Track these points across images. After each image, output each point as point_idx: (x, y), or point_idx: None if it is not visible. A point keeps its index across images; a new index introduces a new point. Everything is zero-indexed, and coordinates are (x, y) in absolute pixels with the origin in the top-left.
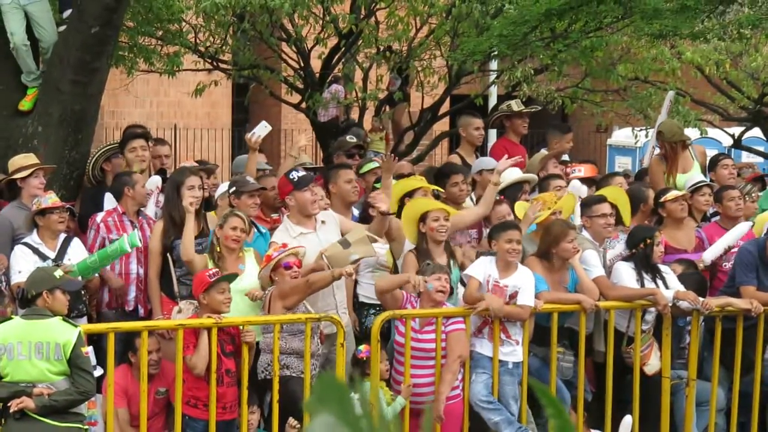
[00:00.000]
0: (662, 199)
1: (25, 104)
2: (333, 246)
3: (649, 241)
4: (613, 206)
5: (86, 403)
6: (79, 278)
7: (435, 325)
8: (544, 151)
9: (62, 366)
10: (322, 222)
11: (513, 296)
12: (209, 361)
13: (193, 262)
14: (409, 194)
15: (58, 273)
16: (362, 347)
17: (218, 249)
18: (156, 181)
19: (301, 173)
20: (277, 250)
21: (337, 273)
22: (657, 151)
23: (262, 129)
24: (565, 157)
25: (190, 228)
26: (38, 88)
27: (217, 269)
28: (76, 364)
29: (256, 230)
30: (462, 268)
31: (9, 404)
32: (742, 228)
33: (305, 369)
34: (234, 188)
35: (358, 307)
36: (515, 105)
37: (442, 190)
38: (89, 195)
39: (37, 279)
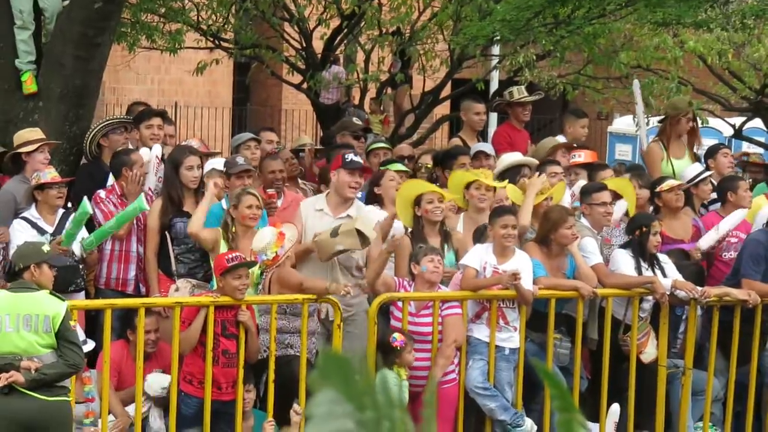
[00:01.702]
0: (658, 189)
1: (31, 87)
2: (324, 232)
3: (645, 228)
4: (618, 196)
5: (82, 378)
6: (77, 249)
7: (432, 309)
8: (560, 138)
9: (50, 339)
10: (349, 216)
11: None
12: (206, 340)
13: (200, 237)
14: (466, 186)
15: (46, 247)
16: (397, 335)
17: (233, 229)
18: (156, 151)
19: (357, 159)
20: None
21: (333, 288)
22: (649, 138)
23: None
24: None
25: (205, 205)
26: (32, 71)
27: (239, 254)
28: (64, 337)
29: None
30: (457, 253)
31: None
32: (738, 215)
33: (302, 349)
34: (225, 169)
35: None
36: (516, 92)
37: (503, 185)
38: (85, 170)
39: (24, 253)
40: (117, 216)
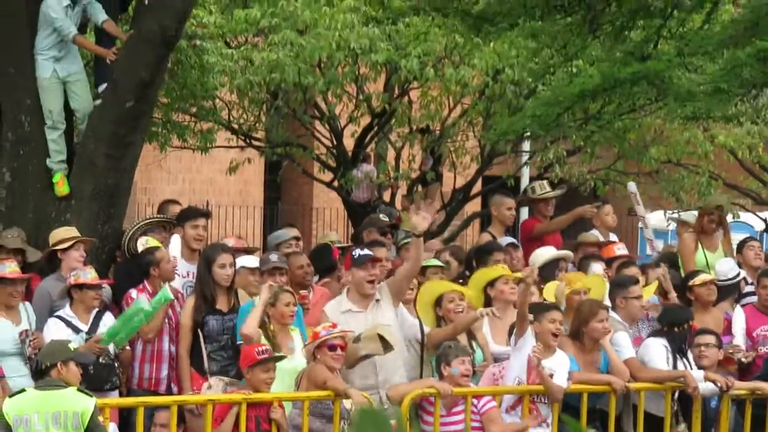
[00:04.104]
0: (690, 283)
1: (63, 189)
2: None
3: (686, 326)
4: None
5: None
6: (111, 347)
7: (464, 406)
8: (594, 232)
9: None
10: (377, 300)
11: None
12: None
13: (252, 339)
14: (491, 283)
15: (72, 345)
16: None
17: (270, 327)
18: (176, 241)
19: (364, 252)
20: (326, 329)
21: (352, 393)
22: (657, 244)
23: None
24: (613, 237)
25: (260, 308)
26: (63, 171)
27: (268, 347)
28: None
29: None
30: (483, 350)
31: None
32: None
33: None
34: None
35: None
36: (539, 188)
37: (520, 275)
38: (123, 269)
39: (51, 351)
40: (120, 317)
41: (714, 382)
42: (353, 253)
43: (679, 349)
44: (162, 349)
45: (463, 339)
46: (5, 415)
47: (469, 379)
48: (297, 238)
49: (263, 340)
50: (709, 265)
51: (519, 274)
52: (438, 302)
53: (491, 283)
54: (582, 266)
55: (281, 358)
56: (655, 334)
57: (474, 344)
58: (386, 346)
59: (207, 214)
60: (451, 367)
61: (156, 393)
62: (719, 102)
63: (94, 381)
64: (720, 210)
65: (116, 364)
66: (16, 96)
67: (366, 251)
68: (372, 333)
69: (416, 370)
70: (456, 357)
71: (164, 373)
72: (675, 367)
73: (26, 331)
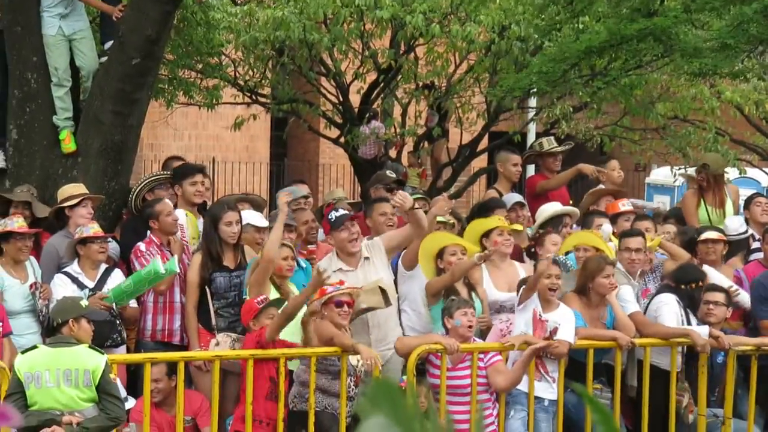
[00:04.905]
0: (698, 239)
1: (70, 146)
2: None
3: (700, 283)
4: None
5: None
6: (114, 305)
7: (470, 361)
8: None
9: (91, 393)
10: (366, 258)
11: (553, 332)
12: (245, 388)
13: (276, 263)
14: (486, 234)
15: (84, 302)
16: (404, 377)
17: (276, 280)
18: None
19: (339, 213)
20: (334, 285)
21: (360, 348)
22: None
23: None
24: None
25: (280, 227)
26: (69, 129)
27: (265, 296)
28: (105, 390)
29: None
30: (482, 302)
31: None
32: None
33: (341, 402)
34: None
35: None
36: (546, 143)
37: (521, 228)
38: (130, 225)
39: (63, 308)
40: (133, 276)
41: (717, 338)
42: (329, 217)
43: (688, 306)
44: (174, 301)
45: (464, 293)
46: (17, 372)
47: (473, 330)
48: (306, 197)
49: (272, 289)
50: (711, 221)
51: (516, 226)
52: (440, 255)
53: (486, 235)
54: (586, 223)
55: (281, 302)
56: (663, 289)
57: (473, 296)
58: (386, 299)
59: (203, 169)
60: (453, 320)
61: (170, 344)
62: (726, 58)
63: (95, 338)
64: (706, 168)
65: (118, 321)
66: (22, 53)
67: (341, 211)
68: (373, 286)
69: (430, 325)
70: (458, 309)
71: (177, 324)
72: (688, 323)
73: (35, 283)
